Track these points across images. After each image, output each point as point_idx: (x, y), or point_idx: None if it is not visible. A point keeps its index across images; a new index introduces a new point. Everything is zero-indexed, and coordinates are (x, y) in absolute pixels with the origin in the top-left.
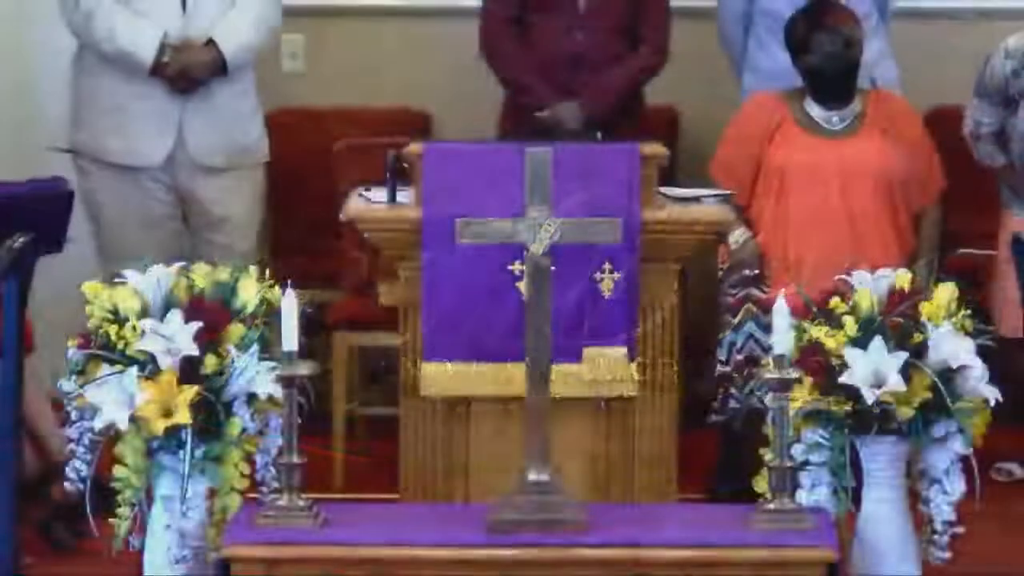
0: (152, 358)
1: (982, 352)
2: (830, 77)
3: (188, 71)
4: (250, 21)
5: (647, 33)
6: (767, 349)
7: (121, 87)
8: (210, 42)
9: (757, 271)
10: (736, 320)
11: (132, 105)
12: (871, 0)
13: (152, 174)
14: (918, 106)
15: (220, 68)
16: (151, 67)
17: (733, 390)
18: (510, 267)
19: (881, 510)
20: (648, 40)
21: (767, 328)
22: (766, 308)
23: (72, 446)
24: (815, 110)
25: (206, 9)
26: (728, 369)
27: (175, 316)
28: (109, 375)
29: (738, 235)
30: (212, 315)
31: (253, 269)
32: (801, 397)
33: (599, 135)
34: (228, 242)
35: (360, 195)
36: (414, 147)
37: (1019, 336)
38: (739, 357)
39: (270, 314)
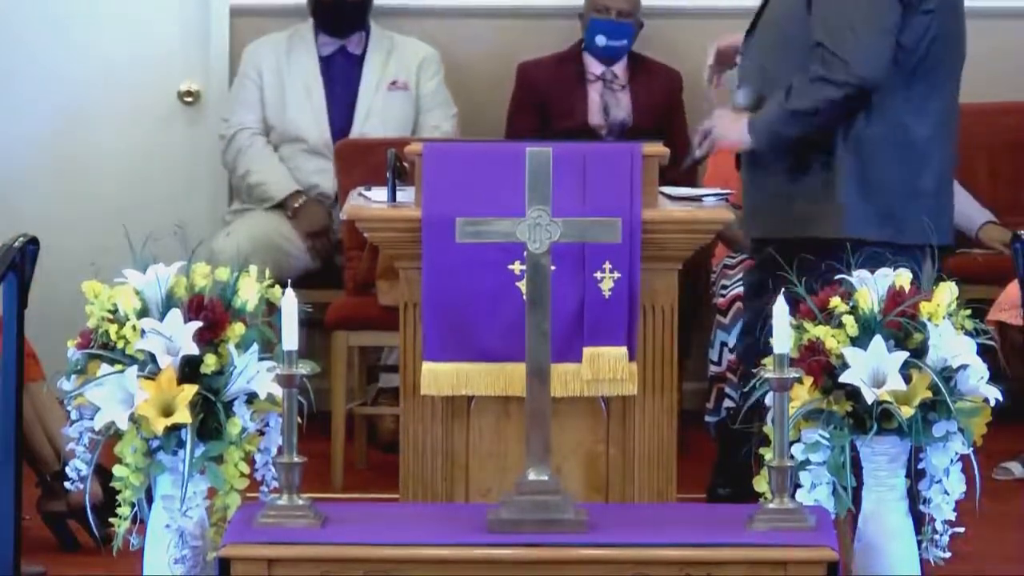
0: (152, 358)
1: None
2: None
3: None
4: None
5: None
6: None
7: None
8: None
9: None
10: (727, 319)
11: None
12: None
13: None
14: None
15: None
16: (279, 202)
17: (727, 390)
18: (510, 267)
19: (881, 510)
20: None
21: None
22: None
23: (72, 445)
24: None
25: None
26: (721, 369)
27: (175, 316)
28: (109, 375)
29: None
30: (212, 315)
31: (253, 268)
32: (801, 397)
33: None
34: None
35: (360, 194)
36: (414, 147)
37: None
38: (732, 357)
39: (270, 314)
